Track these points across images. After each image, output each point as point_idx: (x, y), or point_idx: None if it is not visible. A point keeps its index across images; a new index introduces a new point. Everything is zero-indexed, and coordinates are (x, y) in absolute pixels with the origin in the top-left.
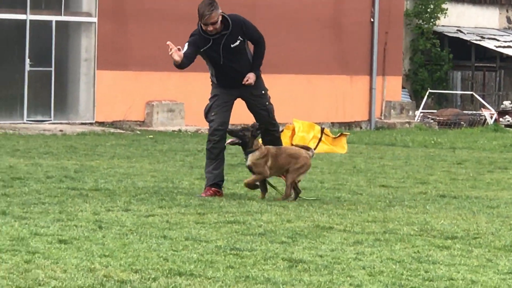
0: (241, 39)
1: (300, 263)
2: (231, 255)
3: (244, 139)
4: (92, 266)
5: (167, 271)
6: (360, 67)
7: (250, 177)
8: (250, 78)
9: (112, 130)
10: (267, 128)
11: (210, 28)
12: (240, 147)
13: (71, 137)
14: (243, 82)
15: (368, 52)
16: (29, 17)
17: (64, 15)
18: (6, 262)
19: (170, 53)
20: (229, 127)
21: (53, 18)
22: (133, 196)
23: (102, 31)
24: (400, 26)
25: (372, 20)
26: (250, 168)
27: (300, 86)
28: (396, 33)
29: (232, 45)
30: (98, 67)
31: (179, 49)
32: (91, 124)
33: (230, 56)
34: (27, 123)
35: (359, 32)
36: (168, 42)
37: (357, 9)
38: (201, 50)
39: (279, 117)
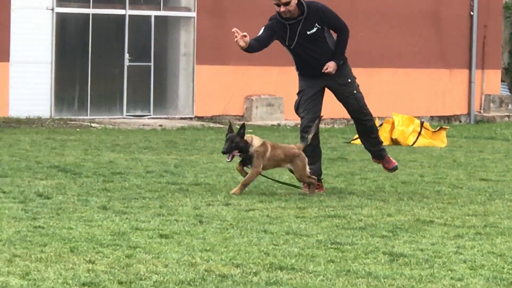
0: (318, 26)
1: (401, 257)
2: (331, 249)
3: (239, 145)
4: (193, 261)
5: (268, 265)
6: (459, 60)
7: (244, 179)
8: (330, 66)
9: (211, 124)
10: (359, 117)
11: (282, 9)
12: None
13: (171, 132)
14: (322, 71)
15: (467, 46)
16: (128, 12)
17: (163, 10)
18: (108, 256)
19: (235, 40)
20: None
21: (152, 13)
22: None
23: (201, 26)
24: (499, 19)
25: (471, 13)
26: (250, 158)
27: (399, 80)
28: (495, 26)
29: (308, 32)
30: (197, 62)
31: (245, 36)
32: (190, 118)
33: (307, 44)
34: (127, 118)
35: (458, 26)
36: (234, 29)
37: (456, 2)
38: (277, 35)
39: (378, 111)
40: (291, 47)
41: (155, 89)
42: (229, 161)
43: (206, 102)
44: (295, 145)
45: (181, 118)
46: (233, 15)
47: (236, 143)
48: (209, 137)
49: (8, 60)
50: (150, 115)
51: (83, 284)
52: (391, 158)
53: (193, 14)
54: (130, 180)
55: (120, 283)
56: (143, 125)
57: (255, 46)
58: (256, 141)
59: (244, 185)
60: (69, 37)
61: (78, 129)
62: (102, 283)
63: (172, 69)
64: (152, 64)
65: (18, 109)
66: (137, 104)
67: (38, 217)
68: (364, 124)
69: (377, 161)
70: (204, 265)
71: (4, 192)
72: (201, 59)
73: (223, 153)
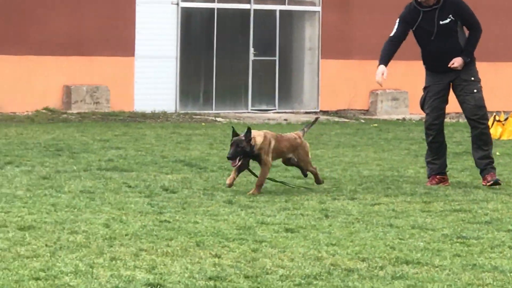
0: (452, 18)
1: None
2: (457, 243)
3: (245, 149)
4: (319, 255)
5: (394, 259)
6: None
7: (258, 179)
8: (456, 62)
9: (336, 119)
10: (474, 119)
11: None
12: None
13: (296, 126)
14: (448, 65)
15: None
16: (253, 6)
17: (288, 4)
18: (234, 251)
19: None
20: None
21: (277, 7)
22: (359, 185)
23: (326, 20)
24: None
25: None
26: (257, 157)
27: None
28: None
29: (441, 22)
30: (322, 56)
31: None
32: (315, 113)
33: (437, 34)
34: (252, 112)
35: None
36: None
37: None
38: (411, 26)
39: (504, 105)
40: (431, 38)
41: (280, 84)
42: (235, 166)
43: (331, 96)
44: (295, 133)
45: (306, 113)
46: (358, 8)
47: (241, 148)
48: (334, 132)
49: (133, 55)
50: (275, 109)
51: (209, 278)
52: (495, 174)
53: (318, 8)
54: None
55: (246, 277)
56: (268, 119)
57: (393, 50)
58: (258, 139)
59: (260, 185)
60: (194, 31)
61: (203, 124)
62: (228, 277)
63: (297, 64)
64: (277, 58)
65: (143, 103)
66: (262, 98)
67: (164, 211)
68: (479, 128)
69: (484, 181)
70: (330, 259)
71: (130, 187)
72: (326, 53)
73: (228, 158)
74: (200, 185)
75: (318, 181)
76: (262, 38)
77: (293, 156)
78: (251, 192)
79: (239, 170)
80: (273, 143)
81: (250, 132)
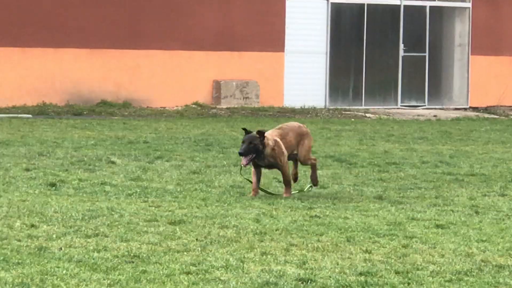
0: None
1: None
2: None
3: (257, 148)
4: (470, 251)
5: None
6: None
7: (284, 180)
8: None
9: (486, 115)
10: None
11: None
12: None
13: (445, 122)
14: None
15: None
16: (403, 2)
17: (438, 0)
18: (384, 246)
19: None
20: None
21: (427, 3)
22: (509, 181)
23: (476, 16)
24: None
25: None
26: (273, 163)
27: None
28: None
29: None
30: (472, 52)
31: None
32: (465, 109)
33: None
34: (401, 108)
35: None
36: None
37: None
38: None
39: None
40: None
41: (430, 80)
42: (245, 166)
43: (481, 92)
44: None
45: (456, 109)
46: (509, 4)
47: (254, 145)
48: (484, 128)
49: (283, 50)
50: (425, 105)
51: (360, 274)
52: None
53: (468, 4)
54: (405, 170)
55: (396, 272)
56: (418, 115)
57: None
58: (270, 142)
59: (289, 184)
60: (344, 27)
61: (352, 119)
62: (379, 272)
63: (446, 60)
64: (427, 54)
65: (292, 99)
66: (411, 94)
67: (314, 207)
68: None
69: None
70: (481, 256)
71: (280, 182)
72: (476, 49)
73: (240, 154)
74: (350, 181)
75: (314, 175)
76: (412, 34)
77: (297, 147)
78: (285, 195)
79: (257, 177)
80: (282, 143)
81: (263, 132)
